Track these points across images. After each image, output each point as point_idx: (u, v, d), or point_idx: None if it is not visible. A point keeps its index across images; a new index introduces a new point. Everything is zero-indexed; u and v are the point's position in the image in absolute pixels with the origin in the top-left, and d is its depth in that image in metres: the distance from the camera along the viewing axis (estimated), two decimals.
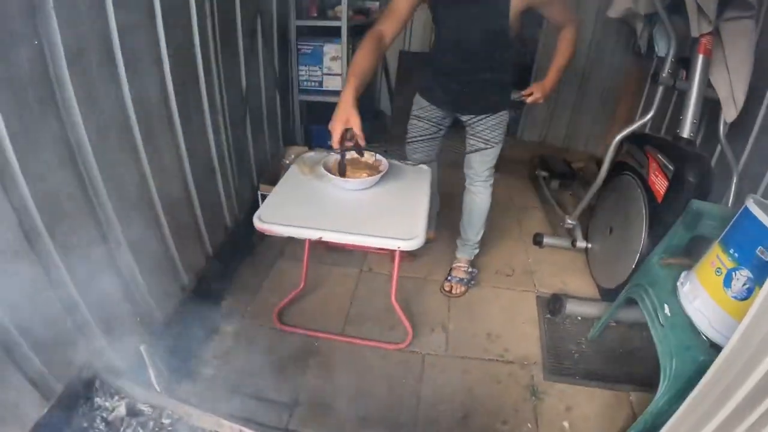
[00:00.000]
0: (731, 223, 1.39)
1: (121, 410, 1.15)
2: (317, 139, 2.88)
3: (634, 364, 1.90)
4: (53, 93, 1.18)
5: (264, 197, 2.32)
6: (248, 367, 1.80)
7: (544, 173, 3.05)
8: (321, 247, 2.33)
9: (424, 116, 2.02)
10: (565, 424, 1.68)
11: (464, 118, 2.00)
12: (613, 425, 1.68)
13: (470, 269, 2.28)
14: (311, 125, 2.97)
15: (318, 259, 2.32)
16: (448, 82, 1.90)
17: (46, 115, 1.17)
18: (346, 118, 1.52)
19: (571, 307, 2.06)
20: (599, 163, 2.31)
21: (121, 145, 1.46)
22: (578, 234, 2.43)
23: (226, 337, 1.94)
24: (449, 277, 2.26)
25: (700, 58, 1.84)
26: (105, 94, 1.36)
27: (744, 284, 1.30)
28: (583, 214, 2.48)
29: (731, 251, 1.35)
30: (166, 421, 1.13)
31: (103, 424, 1.12)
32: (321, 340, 1.93)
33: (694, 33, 1.76)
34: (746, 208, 1.34)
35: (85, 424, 1.07)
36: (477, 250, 2.29)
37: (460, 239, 2.28)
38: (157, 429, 1.11)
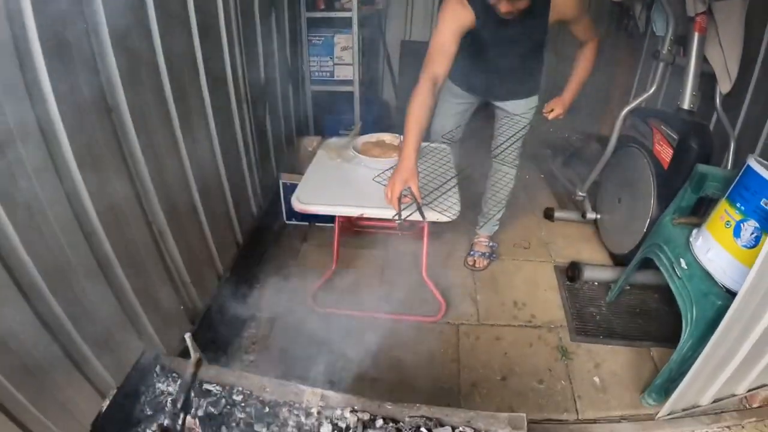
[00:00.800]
0: (736, 181, 1.53)
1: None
2: (329, 129, 2.96)
3: (652, 323, 2.04)
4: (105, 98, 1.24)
5: (285, 185, 2.42)
6: (288, 350, 1.88)
7: (547, 151, 3.18)
8: (347, 232, 2.42)
9: (452, 99, 2.11)
10: (596, 379, 1.82)
11: (496, 102, 2.11)
12: (640, 378, 1.81)
13: (491, 243, 2.42)
14: (322, 115, 3.05)
15: (344, 244, 2.39)
16: (481, 74, 1.96)
17: (102, 121, 1.23)
18: (406, 179, 1.53)
19: (589, 273, 2.19)
20: (599, 139, 2.44)
21: (165, 141, 1.54)
22: (587, 206, 2.57)
23: (262, 323, 2.02)
24: (472, 252, 2.40)
25: (696, 35, 1.97)
26: (154, 107, 1.45)
27: (752, 233, 1.44)
28: (590, 188, 2.62)
29: (738, 205, 1.48)
30: (237, 398, 1.17)
31: (173, 406, 1.16)
32: (357, 318, 2.02)
33: (690, 13, 1.90)
34: (748, 166, 1.47)
35: (150, 412, 1.10)
36: (497, 227, 2.41)
37: (481, 215, 2.41)
38: (229, 406, 1.15)
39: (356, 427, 1.09)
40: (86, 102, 1.15)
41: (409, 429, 1.10)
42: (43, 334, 1.09)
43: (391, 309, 2.07)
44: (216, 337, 1.88)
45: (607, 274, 2.20)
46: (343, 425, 1.10)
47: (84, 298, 1.20)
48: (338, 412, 1.13)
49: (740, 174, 1.52)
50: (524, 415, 1.08)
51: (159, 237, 1.52)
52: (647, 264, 1.91)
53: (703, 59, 2.07)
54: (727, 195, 1.55)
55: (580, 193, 2.57)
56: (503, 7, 1.55)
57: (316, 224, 2.58)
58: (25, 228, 1.00)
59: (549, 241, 2.56)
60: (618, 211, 2.36)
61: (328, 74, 2.87)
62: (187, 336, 1.42)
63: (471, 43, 1.79)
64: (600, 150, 2.53)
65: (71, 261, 1.15)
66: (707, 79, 2.16)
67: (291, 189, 2.38)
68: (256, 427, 1.10)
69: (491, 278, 2.29)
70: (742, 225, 1.47)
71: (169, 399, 1.15)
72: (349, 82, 2.78)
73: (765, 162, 1.45)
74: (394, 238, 2.49)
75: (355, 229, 2.47)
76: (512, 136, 2.04)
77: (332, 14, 2.70)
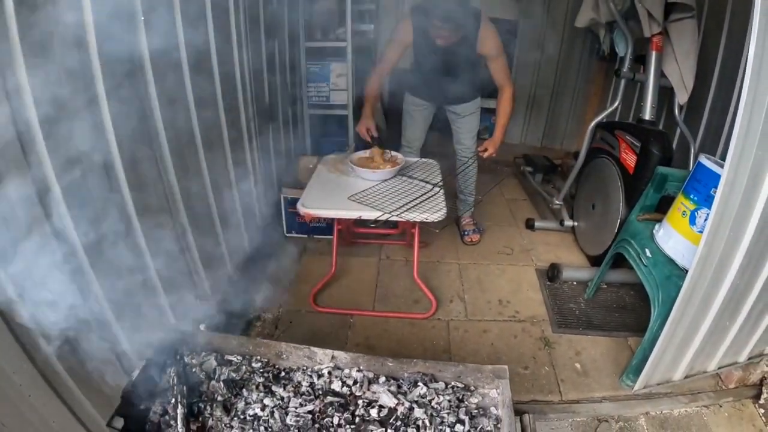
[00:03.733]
0: (689, 176, 1.76)
1: (212, 362, 1.34)
2: (324, 149, 3.16)
3: (628, 316, 2.22)
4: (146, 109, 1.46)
5: (287, 200, 2.61)
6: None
7: (528, 168, 3.43)
8: (344, 241, 2.59)
9: (415, 108, 2.61)
10: (577, 365, 1.97)
11: (447, 106, 2.60)
12: (618, 364, 1.97)
13: (474, 221, 2.85)
14: (318, 137, 3.28)
15: (341, 252, 2.56)
16: (430, 86, 2.48)
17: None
18: (366, 122, 2.33)
19: (567, 273, 2.38)
20: (576, 156, 2.70)
21: (190, 160, 1.76)
22: (565, 214, 2.78)
23: (267, 322, 2.16)
24: (465, 232, 2.79)
25: (653, 54, 2.25)
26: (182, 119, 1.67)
27: (705, 220, 1.64)
28: (566, 198, 2.85)
29: (692, 196, 1.70)
30: (256, 365, 1.32)
31: (203, 373, 1.30)
32: (355, 316, 2.17)
33: (647, 34, 2.18)
34: (699, 162, 1.71)
35: (175, 379, 1.20)
36: (473, 208, 2.85)
37: (459, 202, 2.78)
38: (249, 371, 1.30)
39: (362, 382, 1.24)
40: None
41: (408, 384, 1.25)
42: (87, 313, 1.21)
43: (385, 308, 2.23)
44: (227, 333, 2.01)
45: (584, 273, 2.39)
46: (350, 382, 1.25)
47: (120, 281, 1.35)
48: (346, 371, 1.28)
49: (692, 170, 1.75)
50: (506, 366, 1.24)
51: (181, 234, 1.70)
52: (621, 263, 2.11)
53: (661, 75, 2.35)
54: (682, 189, 1.77)
55: (557, 202, 2.80)
56: (440, 41, 2.14)
57: (314, 236, 2.75)
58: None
59: (530, 247, 2.76)
60: (592, 217, 2.58)
61: (324, 99, 3.12)
62: (202, 327, 1.57)
63: (421, 64, 2.38)
64: (575, 164, 2.77)
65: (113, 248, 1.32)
66: (667, 92, 2.43)
67: (291, 202, 2.60)
68: (273, 388, 1.24)
69: (477, 280, 2.46)
70: (696, 213, 1.69)
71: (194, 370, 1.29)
72: (344, 107, 3.02)
73: (714, 158, 1.68)
74: (387, 246, 2.68)
75: (351, 240, 2.64)
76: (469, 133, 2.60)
77: (328, 44, 2.97)
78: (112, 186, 1.33)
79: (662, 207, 2.07)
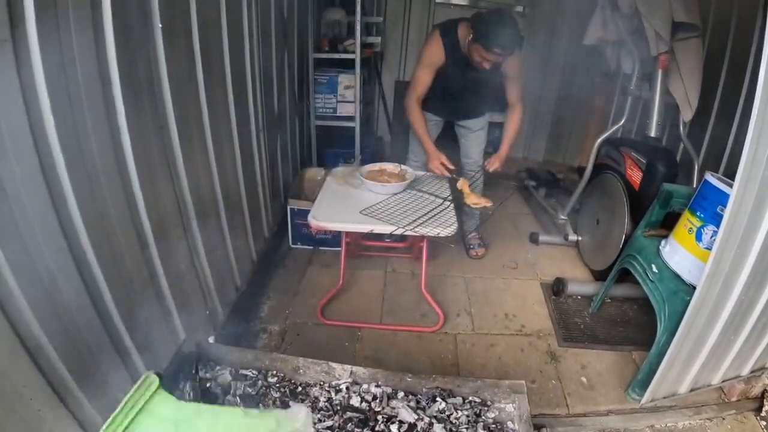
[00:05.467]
0: (695, 194, 1.79)
1: (226, 376, 1.34)
2: (329, 161, 3.19)
3: (632, 330, 2.24)
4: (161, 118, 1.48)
5: (293, 211, 2.62)
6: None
7: (532, 183, 3.47)
8: (351, 254, 2.60)
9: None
10: (583, 379, 1.99)
11: (458, 121, 2.63)
12: (623, 377, 1.99)
13: (479, 235, 2.87)
14: (324, 149, 3.30)
15: (348, 265, 2.56)
16: (444, 100, 2.48)
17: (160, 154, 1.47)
18: (438, 157, 2.27)
19: (572, 288, 2.40)
20: (579, 171, 2.74)
21: (203, 165, 1.77)
22: (569, 229, 2.81)
23: (273, 334, 2.15)
24: (470, 246, 2.82)
25: (660, 72, 2.30)
26: (195, 129, 1.69)
27: (711, 236, 1.68)
28: (570, 213, 2.89)
29: (698, 213, 1.74)
30: (272, 380, 1.32)
31: (219, 388, 1.30)
32: (363, 329, 2.17)
33: (654, 53, 2.23)
34: (706, 180, 1.74)
35: (192, 393, 1.22)
36: (478, 222, 2.89)
37: (464, 214, 2.76)
38: (265, 387, 1.30)
39: (382, 397, 1.25)
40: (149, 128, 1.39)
41: (427, 399, 1.26)
42: (96, 320, 1.22)
43: (394, 321, 2.23)
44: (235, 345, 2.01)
45: (588, 288, 2.42)
46: (369, 398, 1.25)
47: (131, 291, 1.36)
48: (365, 386, 1.28)
49: (699, 188, 1.78)
50: (523, 382, 1.25)
51: (192, 245, 1.70)
52: (625, 277, 2.14)
53: (666, 92, 2.39)
54: (689, 206, 1.81)
55: (562, 217, 2.83)
56: (485, 65, 2.12)
57: (320, 248, 2.75)
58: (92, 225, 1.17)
59: (535, 262, 2.78)
60: (597, 232, 2.61)
61: (331, 110, 3.15)
62: (211, 339, 1.57)
63: (438, 82, 2.36)
64: (579, 179, 2.81)
65: (126, 261, 1.33)
66: (672, 109, 2.48)
67: (298, 213, 2.61)
68: (290, 404, 1.24)
69: (483, 294, 2.48)
70: (702, 230, 1.72)
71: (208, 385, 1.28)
72: (351, 118, 3.05)
73: (719, 176, 1.72)
74: (393, 259, 2.69)
75: (357, 252, 2.65)
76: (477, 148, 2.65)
77: (336, 56, 2.99)
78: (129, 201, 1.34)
79: (667, 223, 2.10)
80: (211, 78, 1.74)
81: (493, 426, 1.20)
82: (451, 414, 1.21)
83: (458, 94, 2.42)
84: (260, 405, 1.24)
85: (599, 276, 2.51)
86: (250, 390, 1.29)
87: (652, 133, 2.34)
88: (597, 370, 2.04)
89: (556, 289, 2.44)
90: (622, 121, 2.48)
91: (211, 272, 1.85)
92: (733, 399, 1.96)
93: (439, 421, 1.19)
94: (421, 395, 1.27)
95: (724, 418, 1.88)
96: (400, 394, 1.26)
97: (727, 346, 1.77)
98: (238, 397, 1.26)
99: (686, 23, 2.14)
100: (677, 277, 1.77)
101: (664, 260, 1.85)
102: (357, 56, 2.82)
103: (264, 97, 2.32)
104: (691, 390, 1.87)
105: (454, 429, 1.17)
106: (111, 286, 1.25)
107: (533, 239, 2.90)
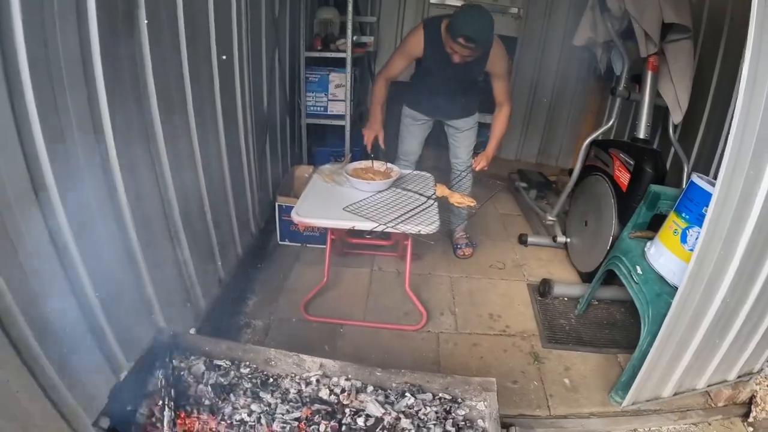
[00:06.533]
0: (681, 195, 1.78)
1: (200, 366, 1.33)
2: (319, 159, 3.18)
3: (618, 333, 2.22)
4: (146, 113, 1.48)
5: (281, 208, 2.61)
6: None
7: (523, 184, 3.45)
8: (337, 252, 2.59)
9: (413, 122, 2.62)
10: (566, 380, 1.97)
11: (446, 121, 2.62)
12: (607, 380, 1.97)
13: (467, 235, 2.85)
14: (315, 147, 3.29)
15: (334, 263, 2.55)
16: (432, 99, 2.48)
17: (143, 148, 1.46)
18: (376, 130, 2.34)
19: (558, 289, 2.39)
20: (571, 173, 2.73)
21: (187, 159, 1.76)
22: (558, 230, 2.80)
23: (257, 329, 2.14)
24: (457, 246, 2.80)
25: (649, 73, 2.29)
26: (180, 123, 1.69)
27: (696, 238, 1.65)
28: (560, 215, 2.87)
29: (683, 215, 1.72)
30: (245, 371, 1.31)
31: (191, 377, 1.29)
32: (345, 326, 2.16)
33: (643, 54, 2.22)
34: (692, 182, 1.73)
35: (164, 381, 1.19)
36: (467, 221, 2.87)
37: (453, 215, 2.75)
38: (237, 377, 1.29)
39: (350, 391, 1.23)
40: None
41: (396, 394, 1.24)
42: (78, 314, 1.22)
43: (377, 319, 2.21)
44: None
45: (575, 290, 2.39)
46: (338, 391, 1.24)
47: (113, 280, 1.35)
48: (334, 379, 1.27)
49: (685, 189, 1.76)
50: (494, 379, 1.23)
51: (174, 236, 1.70)
52: (613, 280, 2.12)
53: (656, 94, 2.38)
54: (674, 207, 1.79)
55: (550, 218, 2.81)
56: (456, 58, 2.13)
57: (307, 245, 2.74)
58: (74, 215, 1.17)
59: (523, 263, 2.77)
60: (585, 233, 2.59)
61: (322, 109, 3.14)
62: (192, 331, 1.55)
63: (424, 78, 2.43)
64: (569, 181, 2.80)
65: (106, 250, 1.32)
66: (662, 112, 2.47)
67: (286, 210, 2.60)
68: (261, 394, 1.23)
69: (468, 294, 2.46)
70: (687, 232, 1.70)
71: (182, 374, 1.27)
72: (342, 117, 3.03)
73: (707, 177, 1.70)
74: (379, 258, 2.68)
75: (344, 250, 2.64)
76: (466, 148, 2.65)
77: (328, 54, 2.99)
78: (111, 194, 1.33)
79: (654, 225, 2.08)
80: (197, 72, 1.74)
81: (462, 423, 1.18)
82: (420, 410, 1.19)
83: (444, 92, 2.42)
84: (231, 395, 1.23)
85: (587, 278, 2.49)
86: (223, 380, 1.28)
87: (641, 135, 2.33)
88: (581, 372, 2.01)
89: (543, 290, 2.42)
90: (611, 122, 2.47)
91: (194, 264, 1.84)
92: (720, 404, 1.93)
93: (407, 416, 1.17)
94: (390, 390, 1.25)
95: (710, 424, 1.85)
96: (370, 389, 1.25)
97: (712, 350, 1.75)
98: (209, 386, 1.24)
99: (677, 24, 2.13)
100: (662, 279, 1.76)
101: (649, 262, 1.84)
102: (348, 55, 2.82)
103: (253, 94, 2.32)
104: (675, 394, 1.85)
105: (422, 425, 1.15)
106: (91, 274, 1.24)
107: (522, 240, 2.89)
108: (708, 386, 1.88)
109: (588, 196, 2.60)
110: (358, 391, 1.24)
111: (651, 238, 1.91)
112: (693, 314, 1.57)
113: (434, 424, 1.15)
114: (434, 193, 2.11)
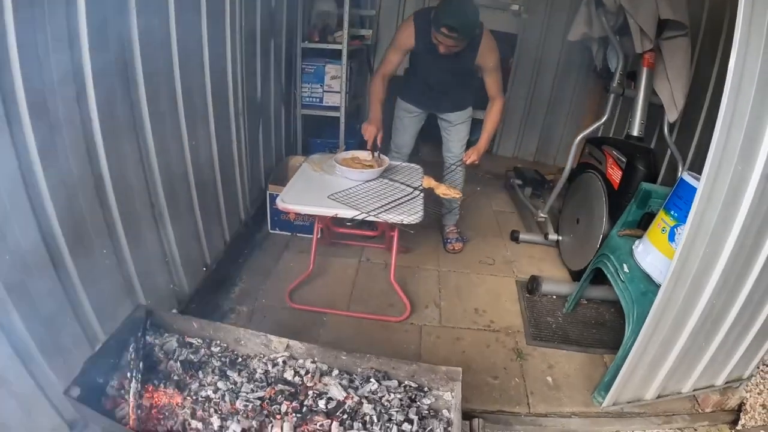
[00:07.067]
0: (671, 193, 1.74)
1: (173, 343, 1.33)
2: (314, 150, 3.17)
3: (606, 333, 2.18)
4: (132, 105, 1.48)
5: (273, 196, 2.60)
6: None
7: (518, 181, 3.42)
8: (325, 242, 2.58)
9: (406, 115, 2.61)
10: (549, 378, 1.94)
11: (439, 114, 2.60)
12: (592, 380, 1.93)
13: (458, 230, 2.83)
14: (310, 138, 3.28)
15: (322, 252, 2.54)
16: (425, 92, 2.49)
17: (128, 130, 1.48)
18: (376, 127, 2.26)
19: (547, 286, 2.35)
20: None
21: (174, 142, 1.76)
22: (550, 228, 2.77)
23: (242, 315, 2.13)
24: (448, 240, 2.78)
25: (645, 70, 2.26)
26: (167, 104, 1.69)
27: None
28: (553, 213, 2.84)
29: (672, 213, 1.68)
30: (215, 349, 1.33)
31: (161, 352, 1.30)
32: (329, 315, 2.15)
33: (638, 50, 2.18)
34: (682, 179, 1.69)
35: (133, 354, 1.21)
36: (458, 215, 2.84)
37: (444, 209, 2.72)
38: (207, 355, 1.31)
39: (314, 373, 1.21)
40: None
41: (361, 379, 1.22)
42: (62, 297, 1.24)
43: (360, 309, 2.20)
44: None
45: (564, 288, 2.36)
46: (303, 373, 1.22)
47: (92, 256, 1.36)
48: (300, 361, 1.26)
49: (675, 187, 1.73)
50: (460, 369, 1.21)
51: (158, 216, 1.71)
52: (603, 279, 2.08)
53: (652, 91, 2.34)
54: (664, 205, 1.75)
55: (541, 215, 2.78)
56: (441, 49, 2.13)
57: (298, 234, 2.73)
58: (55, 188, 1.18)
59: (513, 259, 2.74)
60: (576, 232, 2.56)
61: (317, 100, 3.13)
62: (174, 311, 1.55)
63: (417, 71, 2.43)
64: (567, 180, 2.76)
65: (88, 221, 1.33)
66: (659, 110, 2.43)
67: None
68: (228, 372, 1.23)
69: (456, 288, 2.44)
70: (676, 230, 1.66)
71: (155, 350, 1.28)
72: (336, 108, 3.02)
73: (696, 175, 1.66)
74: (368, 249, 2.67)
75: (333, 240, 2.63)
76: (459, 142, 2.62)
77: (324, 46, 2.98)
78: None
79: (645, 223, 2.05)
80: (186, 54, 1.75)
81: (426, 412, 1.16)
82: (384, 396, 1.18)
83: (436, 85, 2.42)
84: (200, 372, 1.24)
85: (577, 276, 2.44)
86: (193, 357, 1.30)
87: (635, 132, 2.29)
88: (564, 371, 1.98)
89: (531, 287, 2.39)
90: (604, 118, 2.43)
91: (178, 247, 1.84)
92: (707, 410, 1.89)
93: (369, 401, 1.16)
94: (356, 375, 1.24)
95: (696, 429, 1.81)
96: (335, 372, 1.24)
97: (697, 352, 1.70)
98: (179, 363, 1.26)
99: (673, 21, 2.09)
100: (648, 278, 1.72)
101: (636, 260, 1.80)
102: (344, 47, 2.81)
103: (246, 82, 2.31)
104: (659, 397, 1.80)
105: (384, 411, 1.14)
106: (71, 247, 1.25)
107: (514, 237, 2.86)
108: (694, 390, 1.84)
109: (581, 193, 2.57)
110: (323, 374, 1.23)
111: (640, 237, 1.87)
112: (677, 314, 1.53)
113: (397, 411, 1.13)
114: (421, 185, 2.08)
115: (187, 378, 1.22)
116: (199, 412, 1.13)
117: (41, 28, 1.09)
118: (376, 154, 2.27)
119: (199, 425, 1.10)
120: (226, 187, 2.24)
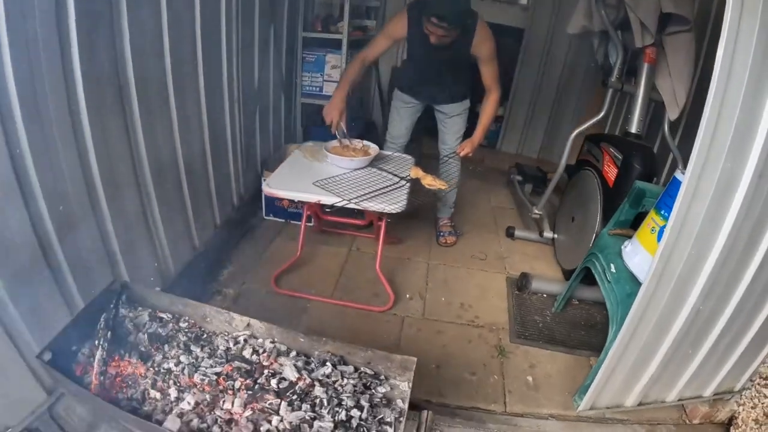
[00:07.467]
0: (663, 192, 1.67)
1: (144, 317, 1.35)
2: (314, 139, 3.16)
3: (595, 335, 2.12)
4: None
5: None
6: None
7: (518, 177, 3.37)
8: (315, 230, 2.58)
9: (403, 105, 2.59)
10: (529, 378, 1.89)
11: (435, 105, 2.58)
12: (575, 382, 1.87)
13: (452, 223, 2.80)
14: (310, 126, 3.28)
15: (312, 240, 2.54)
16: (420, 82, 2.48)
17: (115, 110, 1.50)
18: (339, 110, 2.21)
19: (537, 284, 2.30)
20: (570, 169, 2.64)
21: (163, 124, 1.78)
22: (545, 225, 2.71)
23: (227, 297, 2.15)
24: (441, 233, 2.75)
25: (645, 66, 2.18)
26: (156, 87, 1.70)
27: None
28: (549, 210, 2.79)
29: (662, 212, 1.62)
30: (183, 325, 1.35)
31: (131, 324, 1.32)
32: (312, 302, 2.15)
33: (638, 44, 2.11)
34: (674, 178, 1.62)
35: (103, 324, 1.24)
36: (453, 209, 2.82)
37: (439, 202, 2.72)
38: (175, 330, 1.33)
39: (271, 353, 1.21)
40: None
41: (317, 363, 1.21)
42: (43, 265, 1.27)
43: (345, 297, 2.19)
44: None
45: (554, 286, 2.31)
46: (261, 351, 1.22)
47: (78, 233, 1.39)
48: (260, 341, 1.26)
49: (667, 186, 1.66)
50: (415, 359, 1.18)
51: (146, 197, 1.73)
52: (593, 279, 2.02)
53: (652, 88, 2.26)
54: (655, 205, 1.69)
55: (537, 211, 2.73)
56: (432, 39, 2.10)
57: (291, 221, 2.74)
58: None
59: (506, 256, 2.69)
60: (571, 230, 2.50)
61: (317, 89, 3.14)
62: (157, 289, 1.56)
63: (413, 61, 2.44)
64: (565, 176, 2.70)
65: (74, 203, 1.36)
66: (659, 107, 2.34)
67: None
68: (192, 348, 1.25)
69: (443, 281, 2.41)
70: (665, 230, 1.60)
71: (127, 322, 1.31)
72: None
73: None
74: (359, 239, 2.66)
75: (323, 228, 2.63)
76: (454, 134, 2.59)
77: (325, 35, 2.99)
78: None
79: (638, 223, 1.98)
80: (179, 35, 1.75)
81: (378, 401, 1.14)
82: (337, 381, 1.16)
83: (431, 75, 2.40)
84: (166, 346, 1.27)
85: (570, 276, 2.38)
86: (161, 331, 1.32)
87: (633, 129, 2.22)
88: (546, 371, 1.94)
89: (521, 284, 2.34)
90: (601, 114, 2.36)
91: (164, 227, 1.86)
92: (695, 421, 1.81)
93: (322, 384, 1.14)
94: (313, 358, 1.22)
95: None
96: (293, 353, 1.23)
97: (683, 360, 1.64)
98: (146, 335, 1.28)
99: (676, 16, 2.01)
100: (634, 278, 1.66)
101: (624, 261, 1.74)
102: (344, 37, 2.81)
103: (241, 67, 2.32)
104: (640, 404, 1.74)
105: (335, 395, 1.12)
106: (53, 219, 1.28)
107: (509, 233, 2.82)
108: (679, 400, 1.77)
109: (577, 191, 2.51)
110: (280, 354, 1.22)
111: (631, 237, 1.81)
112: (660, 318, 1.47)
113: (348, 397, 1.12)
114: (408, 175, 2.06)
115: (153, 350, 1.25)
116: (159, 383, 1.15)
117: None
118: (344, 139, 2.24)
119: (158, 395, 1.12)
120: (218, 172, 2.25)
